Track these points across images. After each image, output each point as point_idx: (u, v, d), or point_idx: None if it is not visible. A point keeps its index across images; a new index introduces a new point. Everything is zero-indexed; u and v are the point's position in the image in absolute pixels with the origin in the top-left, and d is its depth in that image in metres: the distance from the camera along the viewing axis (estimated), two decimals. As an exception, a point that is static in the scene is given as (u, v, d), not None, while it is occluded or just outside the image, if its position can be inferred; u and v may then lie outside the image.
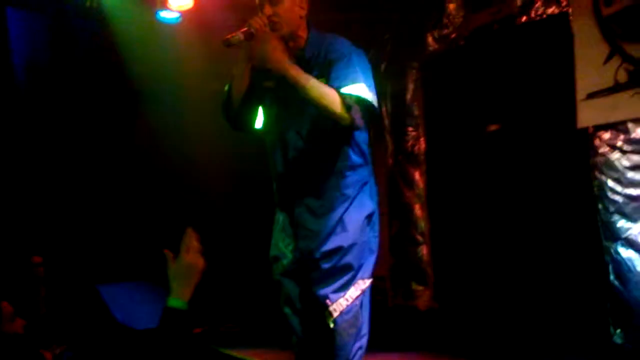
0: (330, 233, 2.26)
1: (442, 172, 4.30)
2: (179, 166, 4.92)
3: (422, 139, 4.48)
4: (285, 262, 2.38)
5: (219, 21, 4.27)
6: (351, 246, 2.25)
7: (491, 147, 3.94)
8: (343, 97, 2.14)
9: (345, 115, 2.13)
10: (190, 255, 1.77)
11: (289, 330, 2.42)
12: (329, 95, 2.14)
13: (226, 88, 2.36)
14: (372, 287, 2.35)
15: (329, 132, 2.24)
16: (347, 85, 2.16)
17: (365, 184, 2.33)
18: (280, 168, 2.36)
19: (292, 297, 2.38)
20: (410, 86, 4.55)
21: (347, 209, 2.27)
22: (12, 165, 4.33)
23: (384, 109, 4.69)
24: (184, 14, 4.33)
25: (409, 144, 4.51)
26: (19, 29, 4.32)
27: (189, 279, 1.74)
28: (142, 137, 4.89)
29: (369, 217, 2.32)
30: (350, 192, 2.29)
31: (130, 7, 4.41)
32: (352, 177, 2.30)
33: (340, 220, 2.26)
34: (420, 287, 4.32)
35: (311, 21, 2.38)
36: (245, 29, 2.16)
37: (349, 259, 2.24)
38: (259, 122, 2.45)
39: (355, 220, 2.28)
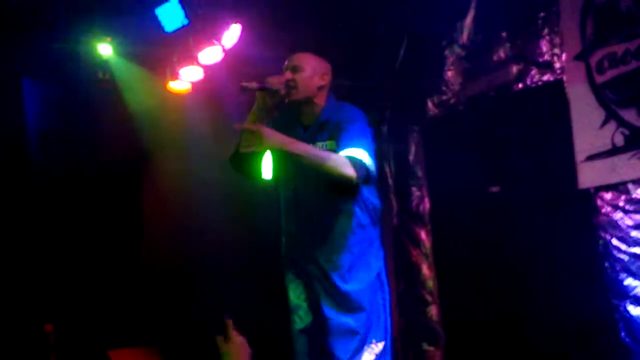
0: (340, 294, 2.32)
1: (448, 232, 4.38)
2: (186, 226, 4.98)
3: (426, 199, 4.59)
4: (301, 313, 2.44)
5: (226, 91, 4.46)
6: (360, 306, 2.30)
7: (496, 207, 4.06)
8: (346, 157, 2.26)
9: (349, 174, 2.23)
10: (238, 339, 1.90)
11: None
12: (330, 159, 2.26)
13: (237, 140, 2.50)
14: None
15: (338, 191, 2.33)
16: (352, 147, 2.29)
17: (371, 243, 2.41)
18: (292, 224, 2.47)
19: (303, 357, 2.43)
20: (413, 148, 4.69)
21: (353, 266, 2.34)
22: (23, 235, 4.37)
23: (387, 169, 4.83)
24: (194, 84, 4.51)
25: (414, 203, 4.62)
26: (33, 98, 4.46)
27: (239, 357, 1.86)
28: (150, 202, 4.97)
29: (378, 276, 2.38)
30: (357, 250, 2.36)
31: (142, 77, 4.58)
32: (360, 236, 2.37)
33: (348, 278, 2.32)
34: (431, 348, 4.32)
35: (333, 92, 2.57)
36: (262, 83, 2.37)
37: (358, 319, 2.29)
38: (266, 172, 2.58)
39: (363, 279, 2.33)
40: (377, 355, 2.29)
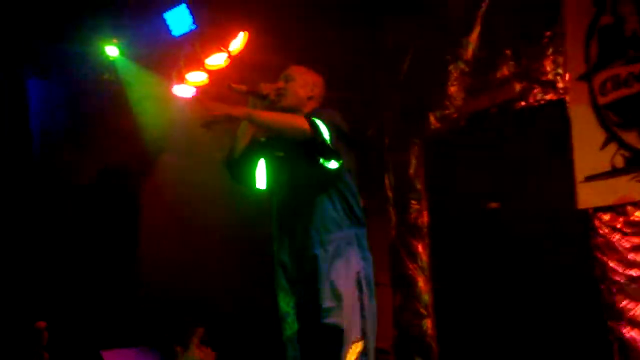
0: (316, 291, 2.35)
1: (446, 246, 4.39)
2: (186, 228, 4.99)
3: (424, 212, 4.60)
4: (289, 320, 2.48)
5: (230, 96, 4.47)
6: (337, 305, 2.33)
7: (494, 223, 4.07)
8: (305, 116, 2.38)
9: (303, 126, 2.32)
10: (199, 352, 1.84)
11: None
12: (285, 115, 2.43)
13: (230, 144, 2.63)
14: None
15: (316, 189, 2.43)
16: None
17: (350, 243, 2.43)
18: (277, 228, 2.55)
19: None
20: (413, 161, 4.71)
21: (331, 264, 2.37)
22: (19, 231, 4.38)
23: (387, 181, 4.85)
24: (198, 88, 4.53)
25: (412, 216, 4.63)
26: (38, 99, 4.49)
27: None
28: (151, 204, 4.98)
29: (357, 275, 2.40)
30: (332, 248, 2.39)
31: (148, 80, 4.61)
32: (336, 234, 2.41)
33: (325, 277, 2.36)
34: (425, 362, 4.33)
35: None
36: (253, 87, 2.51)
37: (339, 314, 2.31)
38: (261, 182, 2.66)
39: (340, 276, 2.36)
40: (358, 354, 2.31)
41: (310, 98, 2.59)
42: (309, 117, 2.37)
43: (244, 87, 2.51)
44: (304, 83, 2.59)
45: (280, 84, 2.57)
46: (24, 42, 4.31)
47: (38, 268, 4.45)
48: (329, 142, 2.33)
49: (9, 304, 4.18)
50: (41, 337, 4.08)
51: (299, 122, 2.34)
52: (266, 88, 2.51)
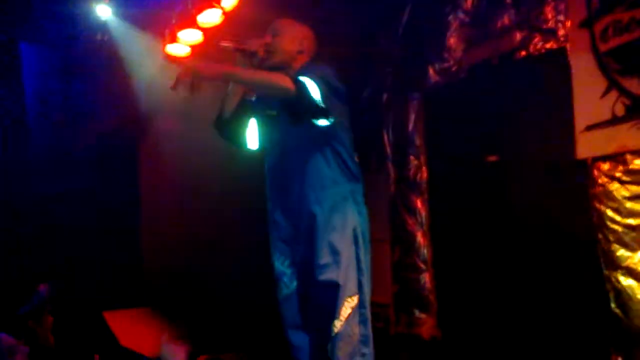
0: (314, 248, 2.36)
1: (444, 200, 4.37)
2: (184, 189, 5.00)
3: (423, 168, 4.57)
4: (285, 279, 2.50)
5: (226, 55, 4.40)
6: (334, 260, 2.34)
7: (492, 176, 4.03)
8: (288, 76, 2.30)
9: (286, 85, 2.24)
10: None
11: (292, 353, 2.50)
12: (268, 73, 2.36)
13: (220, 104, 2.60)
14: (375, 314, 2.41)
15: (309, 146, 2.40)
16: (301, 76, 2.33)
17: (345, 198, 2.42)
18: (271, 188, 2.55)
19: (293, 322, 2.49)
20: (412, 116, 4.66)
21: (328, 221, 2.37)
22: (22, 197, 4.42)
23: (385, 137, 4.81)
24: (193, 47, 4.46)
25: (411, 172, 4.60)
26: (31, 62, 4.45)
27: None
28: (148, 165, 4.98)
29: (354, 231, 2.40)
30: (328, 205, 2.39)
31: (140, 40, 4.54)
32: (332, 190, 2.40)
33: (322, 234, 2.36)
34: (423, 315, 4.36)
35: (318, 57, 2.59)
36: (241, 44, 2.44)
37: (333, 274, 2.33)
38: (253, 142, 2.63)
39: (338, 233, 2.37)
40: (353, 309, 2.32)
41: (300, 52, 2.52)
42: (295, 76, 2.30)
43: (231, 45, 2.44)
44: (293, 37, 2.51)
45: (268, 39, 2.48)
46: (15, 4, 4.26)
47: (41, 234, 4.51)
48: (318, 100, 2.28)
49: (13, 268, 4.26)
50: (45, 299, 4.17)
51: (282, 81, 2.26)
52: (254, 44, 2.44)
